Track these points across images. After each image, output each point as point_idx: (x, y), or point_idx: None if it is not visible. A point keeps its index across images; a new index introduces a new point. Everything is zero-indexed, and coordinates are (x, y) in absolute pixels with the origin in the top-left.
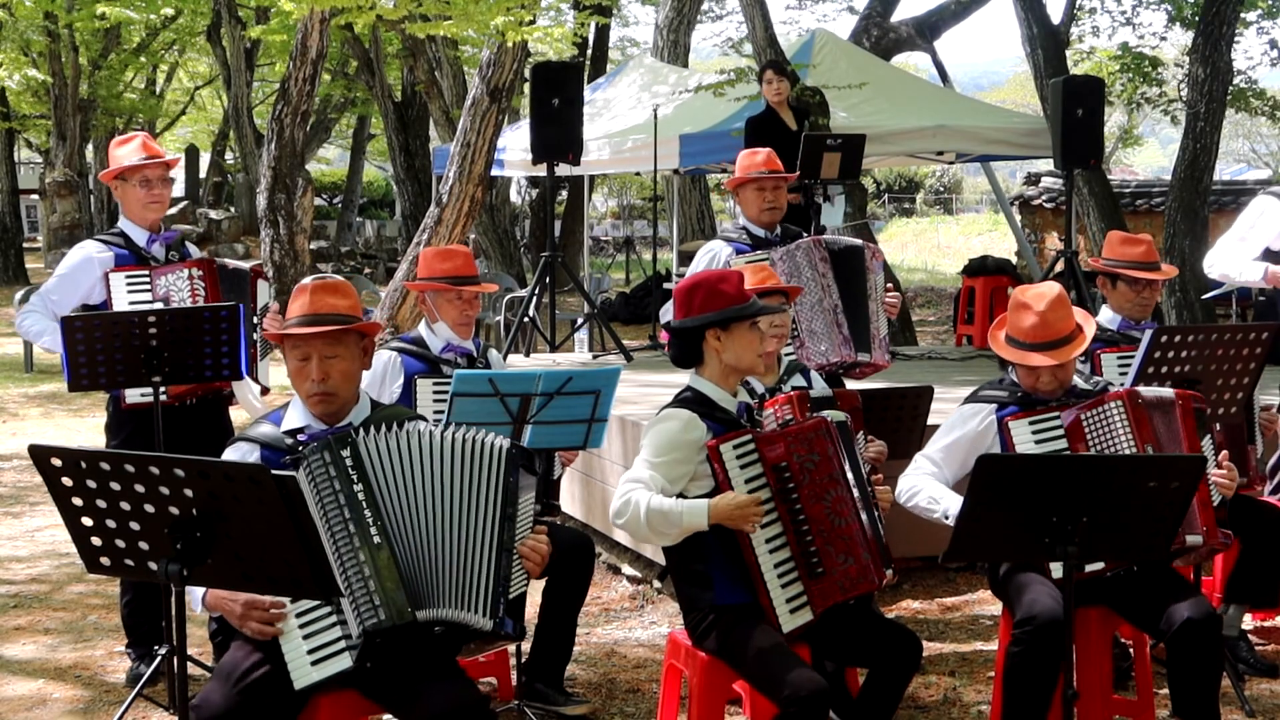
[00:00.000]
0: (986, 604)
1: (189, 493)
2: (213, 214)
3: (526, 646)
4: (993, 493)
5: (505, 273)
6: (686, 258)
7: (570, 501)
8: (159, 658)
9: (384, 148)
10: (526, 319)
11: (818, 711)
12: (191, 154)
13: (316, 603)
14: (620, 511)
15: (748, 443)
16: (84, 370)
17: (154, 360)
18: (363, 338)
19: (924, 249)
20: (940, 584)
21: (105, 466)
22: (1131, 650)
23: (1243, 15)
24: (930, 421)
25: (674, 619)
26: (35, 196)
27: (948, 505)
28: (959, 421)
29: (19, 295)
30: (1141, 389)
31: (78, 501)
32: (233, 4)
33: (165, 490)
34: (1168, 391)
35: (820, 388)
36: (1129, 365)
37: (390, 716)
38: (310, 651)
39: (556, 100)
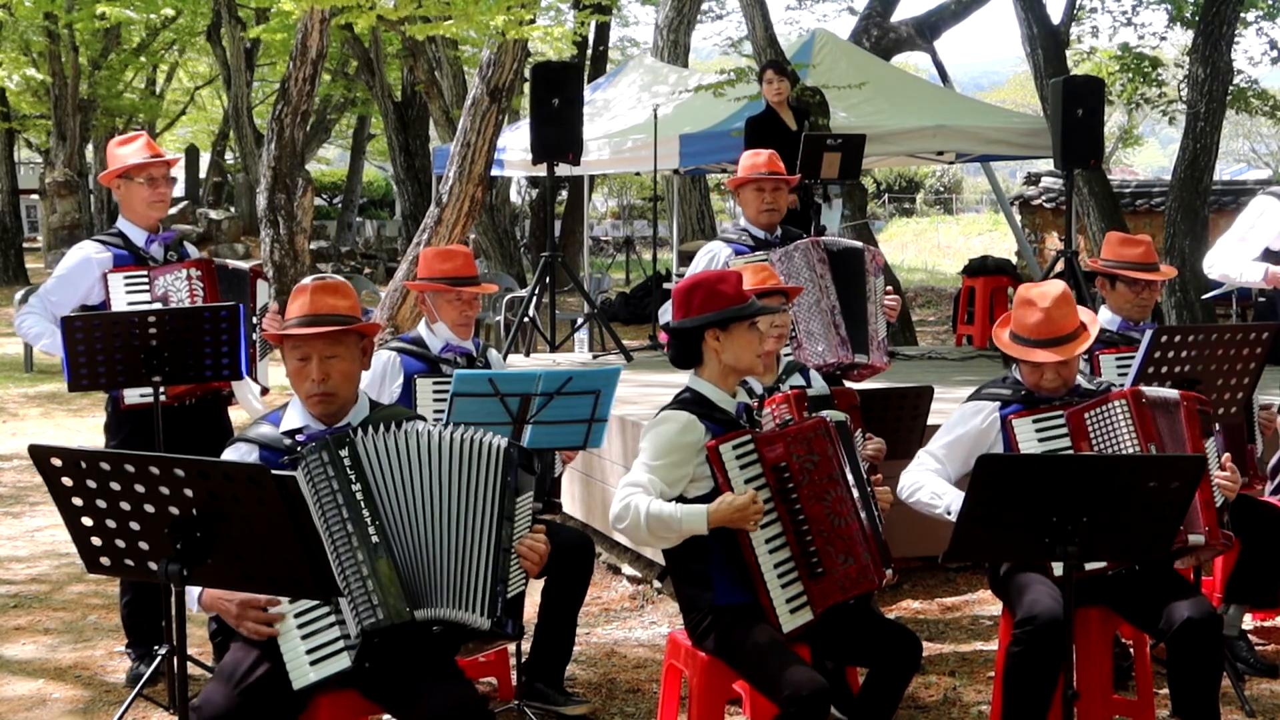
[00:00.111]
0: (986, 604)
1: (189, 493)
2: (213, 214)
3: (526, 646)
4: (993, 493)
5: (505, 273)
6: (686, 258)
7: (570, 501)
8: (159, 658)
9: (384, 148)
10: (526, 319)
11: (818, 711)
12: (191, 154)
13: (314, 603)
14: (620, 516)
15: (747, 443)
16: (84, 370)
17: (154, 360)
18: (362, 338)
19: (924, 249)
20: (940, 584)
21: (105, 466)
22: (1131, 650)
23: (1243, 15)
24: (930, 421)
25: (674, 619)
26: (35, 196)
27: (950, 501)
28: (962, 419)
29: (19, 295)
30: (1145, 388)
31: (78, 501)
32: (233, 4)
33: (165, 490)
34: (1172, 392)
35: (819, 387)
36: (1128, 366)
37: (390, 716)
38: (309, 652)
39: (556, 100)
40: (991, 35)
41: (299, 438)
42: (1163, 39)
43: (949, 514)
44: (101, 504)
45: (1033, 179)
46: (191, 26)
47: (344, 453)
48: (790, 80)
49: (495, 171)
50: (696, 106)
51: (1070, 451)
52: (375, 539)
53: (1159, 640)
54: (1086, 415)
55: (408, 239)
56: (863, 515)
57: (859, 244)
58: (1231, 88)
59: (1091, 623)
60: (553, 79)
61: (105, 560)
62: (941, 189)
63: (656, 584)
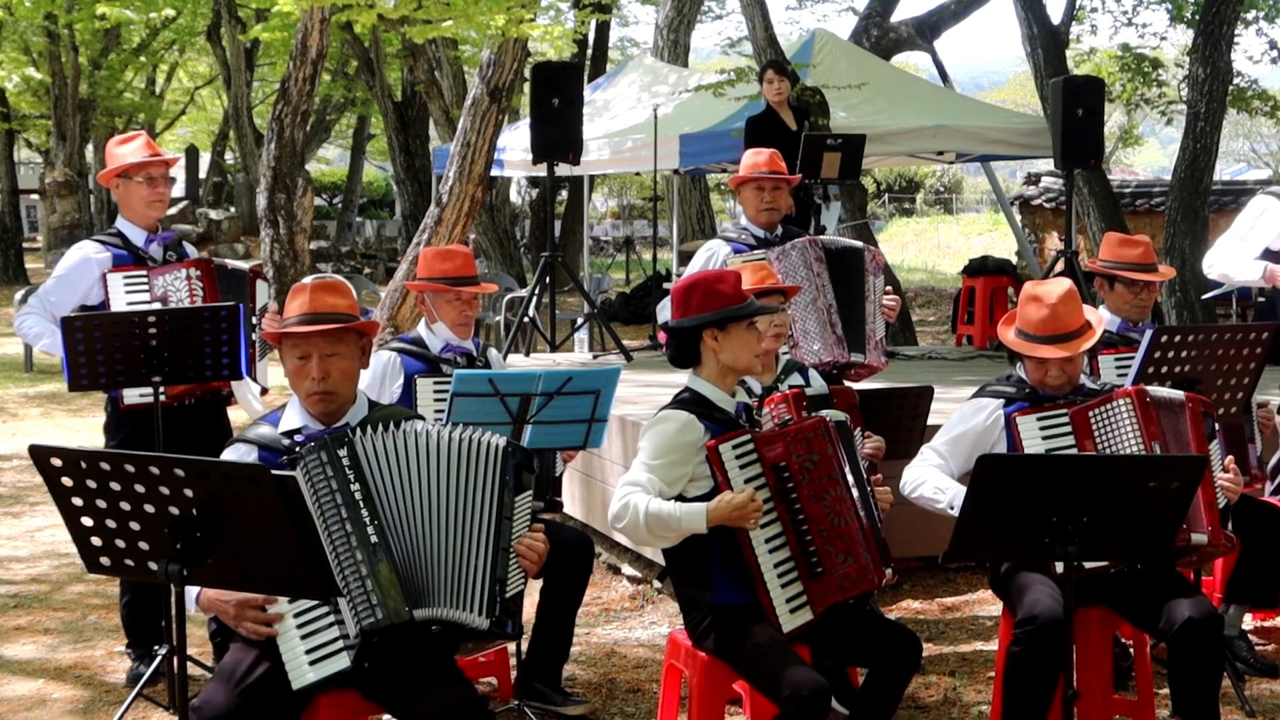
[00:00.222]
0: (986, 604)
1: (189, 493)
2: (213, 214)
3: (525, 646)
4: (992, 493)
5: (505, 273)
6: (687, 258)
7: (570, 501)
8: (159, 658)
9: (384, 148)
10: (526, 319)
11: (818, 711)
12: (191, 154)
13: (313, 603)
14: (619, 515)
15: (747, 443)
16: (84, 370)
17: (154, 360)
18: (361, 337)
19: (924, 249)
20: (940, 584)
21: (105, 466)
22: (1131, 650)
23: (1243, 15)
24: (930, 421)
25: (674, 619)
26: (35, 196)
27: (953, 496)
28: (966, 416)
29: (19, 295)
30: (1150, 388)
31: (78, 501)
32: (233, 4)
33: (165, 490)
34: (1178, 393)
35: (818, 386)
36: (1127, 366)
37: (390, 717)
38: (308, 652)
39: (556, 100)
40: (991, 35)
41: (297, 438)
42: (1163, 39)
43: (952, 509)
44: (101, 504)
45: (1033, 179)
46: (191, 26)
47: (343, 453)
48: (790, 80)
49: (495, 171)
50: (696, 106)
51: (1074, 449)
52: (374, 539)
53: (1159, 640)
54: (1090, 413)
55: (408, 239)
56: (862, 515)
57: (859, 243)
58: (1231, 88)
59: (1091, 623)
60: (553, 79)
61: (105, 560)
62: (941, 189)
63: (656, 584)
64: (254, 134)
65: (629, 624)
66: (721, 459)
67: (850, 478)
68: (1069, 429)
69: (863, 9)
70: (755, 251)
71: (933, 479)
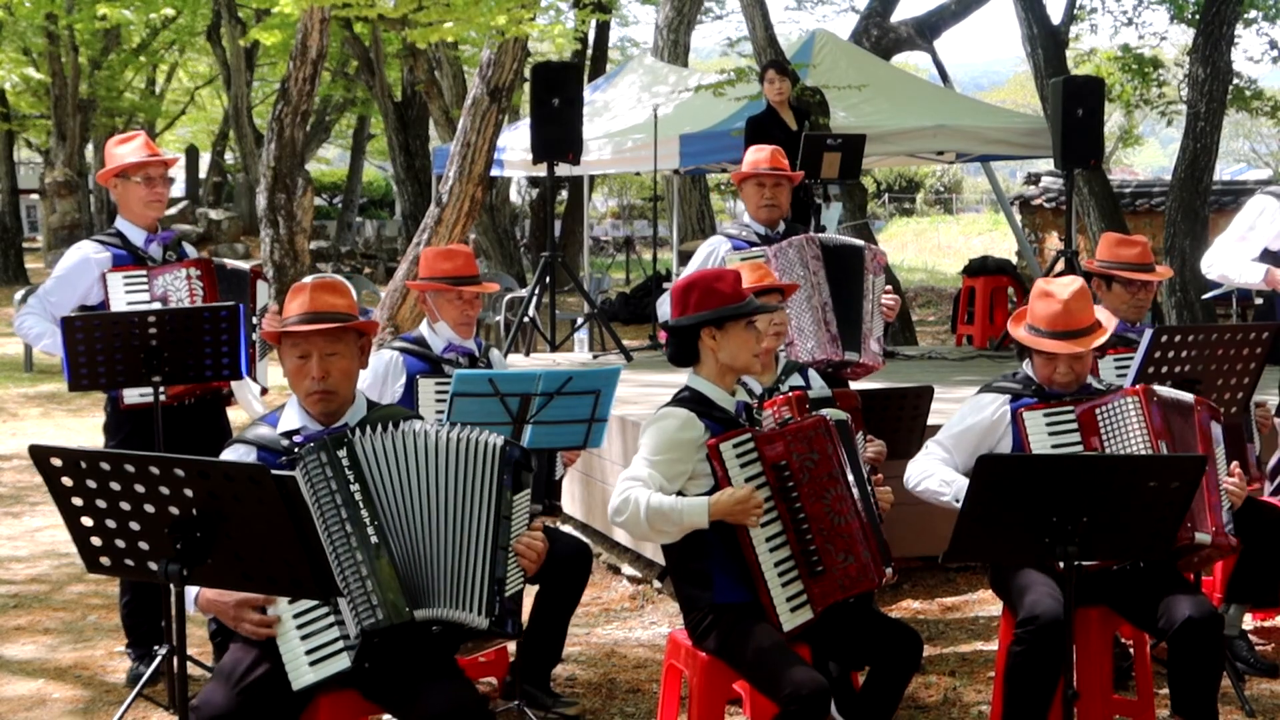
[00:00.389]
0: (986, 604)
1: (189, 493)
2: (213, 214)
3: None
4: (993, 493)
5: (505, 273)
6: (687, 258)
7: (570, 501)
8: (159, 658)
9: (384, 148)
10: (526, 319)
11: (818, 711)
12: (191, 154)
13: (313, 603)
14: (619, 510)
15: (747, 441)
16: (84, 370)
17: (154, 360)
18: (360, 336)
19: (924, 249)
20: (940, 584)
21: (105, 466)
22: (1131, 650)
23: (1243, 15)
24: (930, 421)
25: (674, 619)
26: (35, 196)
27: (958, 489)
28: (972, 410)
29: (19, 295)
30: (1157, 387)
31: (78, 501)
32: (233, 4)
33: (165, 490)
34: (1186, 395)
35: (819, 387)
36: (1126, 367)
37: (390, 716)
38: (308, 652)
39: (556, 100)
40: (991, 35)
41: (297, 438)
42: (1163, 39)
43: (957, 503)
44: (101, 504)
45: (1033, 179)
46: (191, 26)
47: (342, 453)
48: (791, 80)
49: (495, 171)
50: (696, 106)
51: (1080, 447)
52: (374, 539)
53: (1159, 639)
54: (1097, 411)
55: (408, 239)
56: (863, 514)
57: (859, 242)
58: (1231, 88)
59: (1092, 623)
60: (553, 79)
61: (105, 560)
62: (941, 189)
63: (656, 584)
64: (254, 134)
65: (629, 624)
66: (722, 458)
67: (851, 477)
68: (1075, 426)
69: (863, 9)
70: (754, 249)
71: (938, 472)
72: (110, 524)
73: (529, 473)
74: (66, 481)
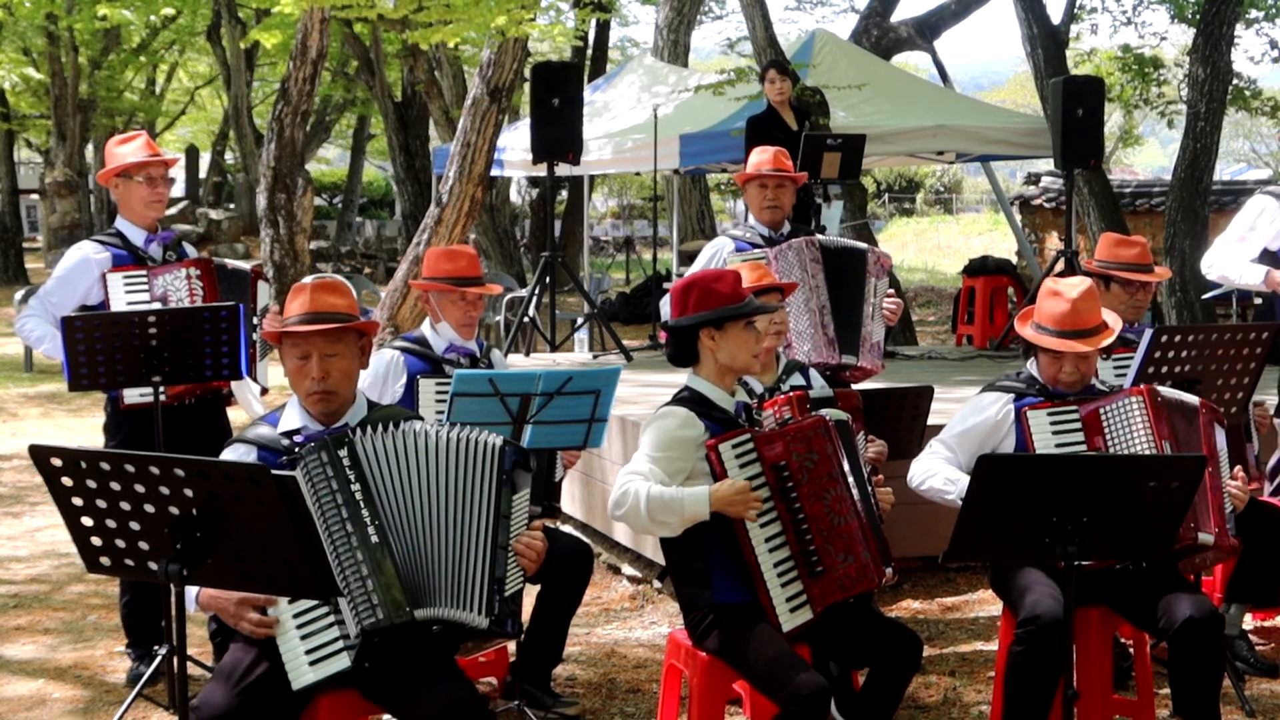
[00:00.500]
0: (986, 604)
1: (189, 493)
2: (213, 214)
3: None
4: (993, 493)
5: (505, 273)
6: (686, 258)
7: (570, 501)
8: (159, 658)
9: (384, 148)
10: (526, 319)
11: (818, 711)
12: (191, 154)
13: (313, 603)
14: (619, 502)
15: (746, 442)
16: (84, 370)
17: (154, 360)
18: (361, 337)
19: (924, 249)
20: (940, 584)
21: (105, 466)
22: (1131, 650)
23: (1243, 15)
24: (931, 421)
25: (674, 619)
26: (35, 196)
27: (963, 488)
28: (976, 409)
29: (19, 295)
30: (1161, 388)
31: (78, 501)
32: (233, 4)
33: (165, 490)
34: (1191, 398)
35: (820, 387)
36: (1125, 367)
37: (390, 716)
38: (308, 652)
39: (556, 100)
40: (991, 35)
41: (297, 438)
42: (1163, 39)
43: (961, 501)
44: (101, 504)
45: (1033, 179)
46: (191, 26)
47: (343, 453)
48: (791, 80)
49: (495, 171)
50: (696, 106)
51: (1083, 446)
52: (375, 539)
53: (1160, 639)
54: (1101, 410)
55: (408, 239)
56: (863, 514)
57: (862, 245)
58: (1231, 88)
59: (1092, 623)
60: (553, 79)
61: (105, 560)
62: (941, 189)
63: (656, 584)
64: (254, 134)
65: (629, 624)
66: (721, 458)
67: (850, 477)
68: (1079, 425)
69: (863, 9)
70: (755, 250)
71: (943, 471)
72: (110, 524)
73: (528, 472)
74: (66, 481)
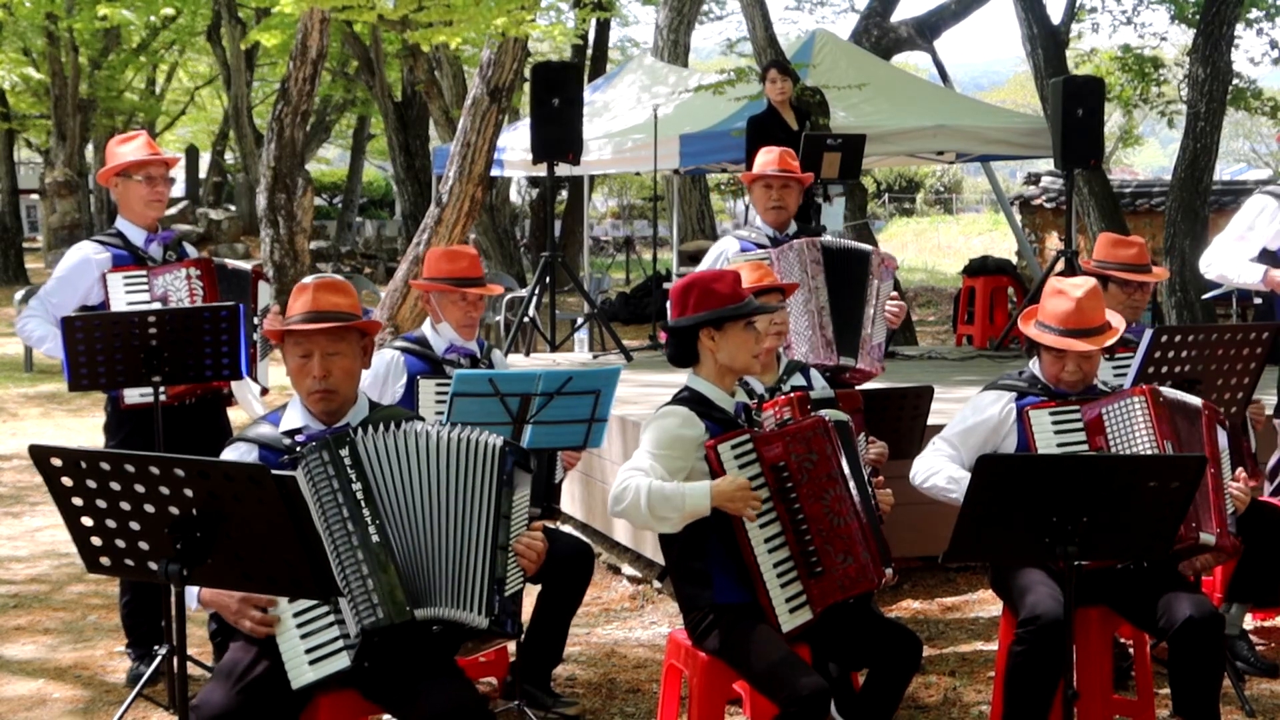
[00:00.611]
0: (986, 604)
1: (189, 493)
2: (213, 214)
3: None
4: (993, 493)
5: (505, 273)
6: (686, 258)
7: (570, 501)
8: (159, 658)
9: (384, 148)
10: (526, 319)
11: (818, 712)
12: (191, 154)
13: (314, 602)
14: (620, 497)
15: (746, 442)
16: (84, 370)
17: (154, 360)
18: (363, 336)
19: (924, 249)
20: (940, 584)
21: (105, 466)
22: (1131, 650)
23: (1243, 15)
24: (931, 422)
25: (674, 619)
26: (35, 196)
27: (967, 486)
28: (978, 408)
29: (19, 295)
30: (1164, 389)
31: (78, 501)
32: (233, 4)
33: (165, 490)
34: (1194, 399)
35: (821, 387)
36: (1124, 368)
37: (390, 716)
38: (308, 651)
39: (556, 100)
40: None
41: (298, 438)
42: (1163, 39)
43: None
44: (101, 504)
45: (1033, 179)
46: (191, 26)
47: (344, 452)
48: (792, 80)
49: (495, 171)
50: (696, 106)
51: (1085, 446)
52: (376, 538)
53: (1160, 639)
54: (1103, 410)
55: (408, 239)
56: (862, 514)
57: (866, 247)
58: (1231, 88)
59: (1092, 623)
60: (553, 79)
61: (105, 560)
62: (941, 189)
63: (656, 584)
64: (254, 134)
65: (629, 624)
66: (720, 459)
67: (850, 477)
68: (1081, 425)
69: (863, 9)
70: (757, 250)
71: (945, 469)
72: (110, 524)
73: (528, 473)
74: (66, 481)
